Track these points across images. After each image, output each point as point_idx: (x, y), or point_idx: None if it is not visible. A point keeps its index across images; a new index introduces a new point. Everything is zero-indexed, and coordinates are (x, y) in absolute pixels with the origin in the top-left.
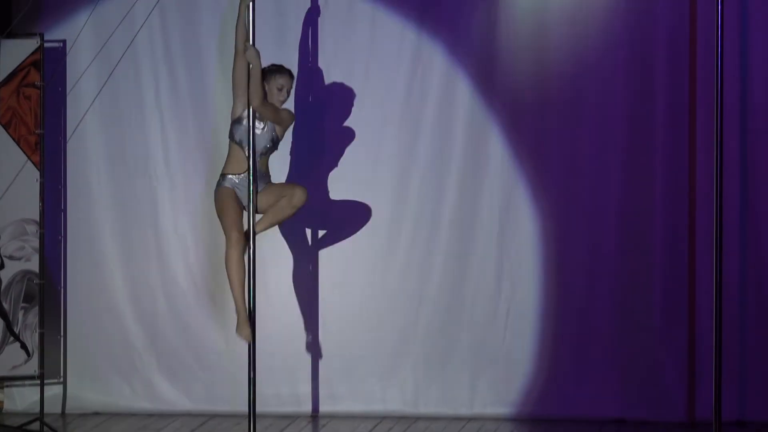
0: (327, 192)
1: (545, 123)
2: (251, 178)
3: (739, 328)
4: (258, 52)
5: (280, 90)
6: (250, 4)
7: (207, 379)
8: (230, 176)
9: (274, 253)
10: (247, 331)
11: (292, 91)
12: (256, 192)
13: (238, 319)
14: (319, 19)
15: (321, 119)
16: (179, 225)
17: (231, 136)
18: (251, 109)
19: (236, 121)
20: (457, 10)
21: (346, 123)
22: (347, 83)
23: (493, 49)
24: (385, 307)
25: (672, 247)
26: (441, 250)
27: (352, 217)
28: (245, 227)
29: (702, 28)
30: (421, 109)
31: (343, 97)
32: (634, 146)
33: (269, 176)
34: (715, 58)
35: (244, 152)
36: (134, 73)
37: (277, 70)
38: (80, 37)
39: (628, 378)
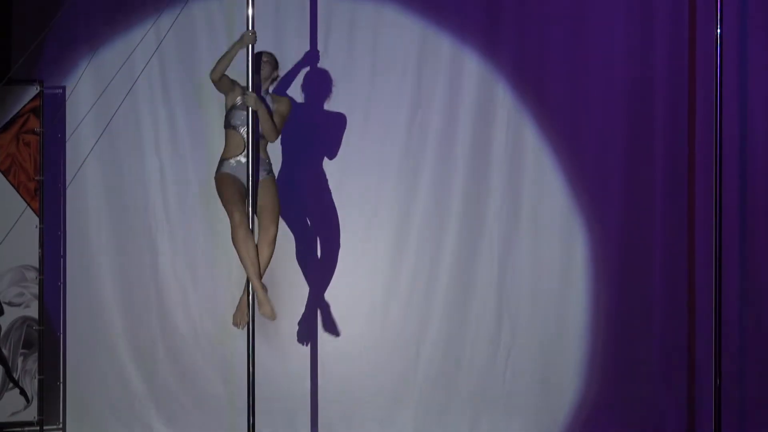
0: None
1: (547, 164)
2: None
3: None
4: (257, 98)
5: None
6: (250, 51)
7: (206, 424)
8: (229, 160)
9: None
10: (268, 308)
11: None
12: (255, 198)
13: (257, 297)
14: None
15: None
16: (179, 271)
17: (226, 123)
18: (249, 112)
19: (230, 109)
20: (458, 50)
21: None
22: (347, 132)
23: (492, 84)
24: (384, 353)
25: (672, 303)
26: (440, 296)
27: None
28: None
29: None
30: (419, 161)
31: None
32: (634, 176)
33: (269, 163)
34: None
35: (241, 135)
36: (134, 119)
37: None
38: (80, 83)
39: (629, 421)
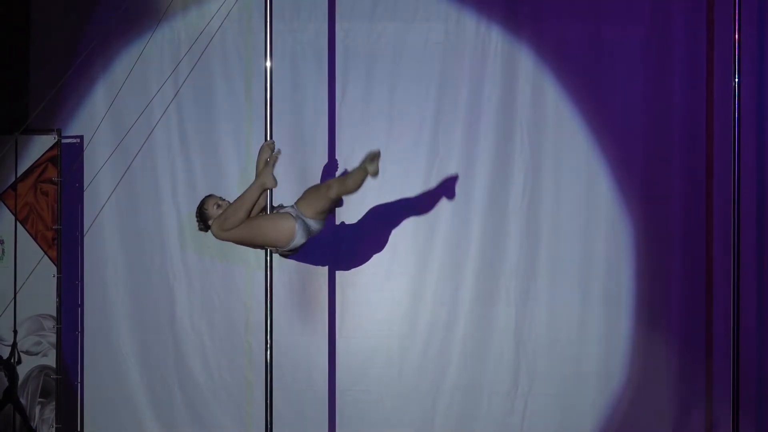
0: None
1: (563, 214)
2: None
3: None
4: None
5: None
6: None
7: None
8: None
9: (289, 348)
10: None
11: None
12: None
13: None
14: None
15: None
16: (196, 320)
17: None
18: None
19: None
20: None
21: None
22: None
23: (509, 126)
24: (400, 403)
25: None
26: (457, 346)
27: None
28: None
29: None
30: (436, 210)
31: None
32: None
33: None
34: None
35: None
36: (151, 168)
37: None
38: (97, 132)
39: None
